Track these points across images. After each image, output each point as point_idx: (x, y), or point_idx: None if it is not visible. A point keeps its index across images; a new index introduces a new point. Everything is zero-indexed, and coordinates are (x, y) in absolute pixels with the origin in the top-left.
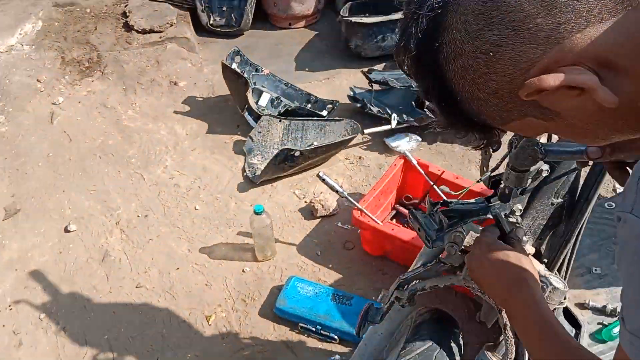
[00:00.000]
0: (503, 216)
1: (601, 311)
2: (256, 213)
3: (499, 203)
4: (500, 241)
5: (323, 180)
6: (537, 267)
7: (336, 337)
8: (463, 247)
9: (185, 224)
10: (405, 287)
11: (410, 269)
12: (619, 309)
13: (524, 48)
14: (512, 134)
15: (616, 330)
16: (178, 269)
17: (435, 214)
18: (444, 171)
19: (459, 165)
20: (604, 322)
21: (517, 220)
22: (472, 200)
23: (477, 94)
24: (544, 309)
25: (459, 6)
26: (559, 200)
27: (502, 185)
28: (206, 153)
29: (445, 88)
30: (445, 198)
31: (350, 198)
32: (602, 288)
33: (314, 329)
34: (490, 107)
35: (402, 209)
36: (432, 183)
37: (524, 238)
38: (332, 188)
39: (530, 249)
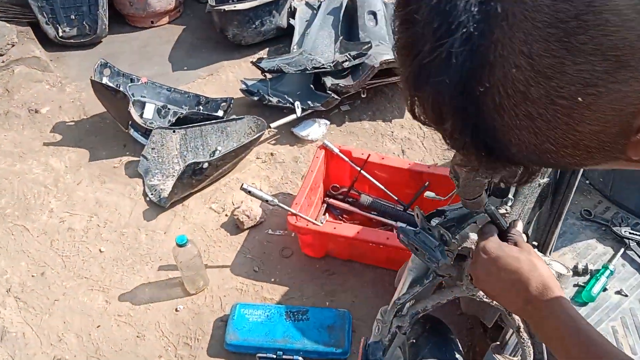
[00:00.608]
0: (498, 212)
1: (574, 272)
2: (180, 245)
3: (491, 199)
4: (505, 243)
5: (249, 192)
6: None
7: (300, 358)
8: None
9: (93, 272)
10: (405, 312)
11: (401, 290)
12: (590, 266)
13: (635, 86)
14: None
15: (595, 289)
16: (99, 326)
17: (434, 228)
18: (369, 155)
19: (374, 142)
20: (580, 283)
21: (506, 210)
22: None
23: (546, 146)
24: (577, 319)
25: (514, 30)
26: (546, 179)
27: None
28: (96, 184)
29: (491, 141)
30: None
31: (282, 205)
32: (565, 247)
33: (274, 356)
34: (561, 158)
35: (332, 200)
36: (359, 169)
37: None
38: (260, 198)
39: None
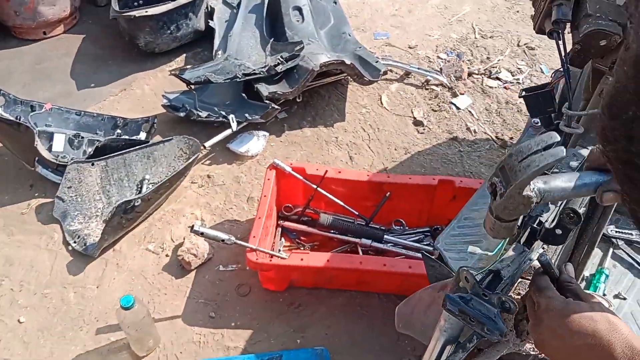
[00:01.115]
0: (552, 260)
1: None
2: (125, 308)
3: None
4: (571, 300)
5: (201, 234)
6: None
7: None
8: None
9: (14, 350)
10: None
11: (432, 352)
12: (585, 272)
13: None
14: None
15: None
16: None
17: (491, 294)
18: (327, 170)
19: (319, 151)
20: None
21: (543, 248)
22: (511, 252)
23: None
24: None
25: None
26: (583, 208)
27: (546, 226)
28: (2, 237)
29: None
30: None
31: (241, 242)
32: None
33: None
34: None
35: (288, 224)
36: (315, 187)
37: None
38: (214, 239)
39: None
